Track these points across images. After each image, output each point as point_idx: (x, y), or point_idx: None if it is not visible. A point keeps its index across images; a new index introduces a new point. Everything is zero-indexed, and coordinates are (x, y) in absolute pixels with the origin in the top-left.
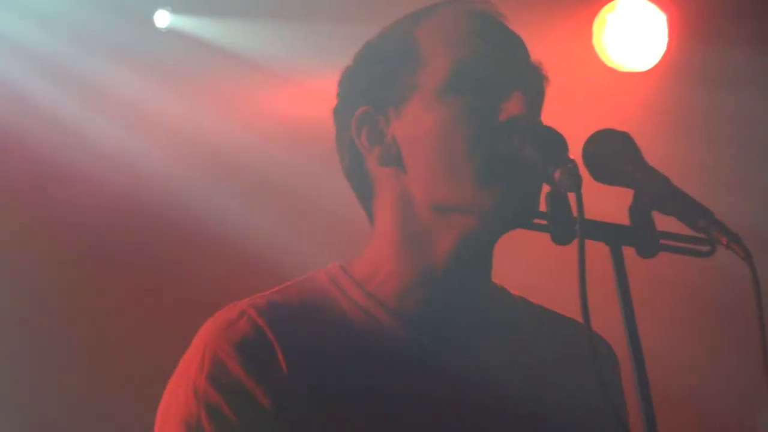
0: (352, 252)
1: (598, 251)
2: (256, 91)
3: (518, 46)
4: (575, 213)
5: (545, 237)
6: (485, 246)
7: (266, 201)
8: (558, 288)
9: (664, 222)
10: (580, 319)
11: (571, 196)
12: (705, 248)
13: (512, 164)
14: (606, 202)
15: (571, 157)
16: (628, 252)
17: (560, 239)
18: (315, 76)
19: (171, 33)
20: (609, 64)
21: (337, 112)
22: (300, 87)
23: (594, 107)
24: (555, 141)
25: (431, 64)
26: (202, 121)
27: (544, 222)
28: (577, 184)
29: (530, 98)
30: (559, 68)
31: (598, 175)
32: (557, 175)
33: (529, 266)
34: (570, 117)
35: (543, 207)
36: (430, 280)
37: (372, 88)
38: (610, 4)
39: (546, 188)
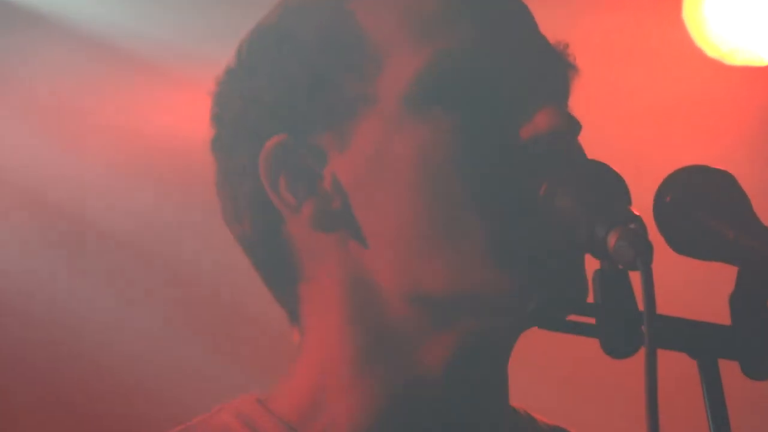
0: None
1: (671, 361)
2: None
3: (529, 22)
4: (641, 305)
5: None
6: (498, 354)
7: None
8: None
9: None
10: None
11: (635, 276)
12: None
13: (539, 223)
14: (691, 286)
15: (635, 211)
16: (728, 368)
17: (615, 348)
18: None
19: None
20: (710, 52)
21: (219, 146)
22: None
23: (679, 123)
24: (608, 185)
25: (392, 60)
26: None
27: (589, 319)
28: (644, 257)
29: (563, 109)
30: (620, 57)
31: (680, 243)
32: (612, 240)
33: (532, 378)
34: (636, 138)
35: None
36: (415, 416)
37: (285, 102)
38: None
39: (592, 262)
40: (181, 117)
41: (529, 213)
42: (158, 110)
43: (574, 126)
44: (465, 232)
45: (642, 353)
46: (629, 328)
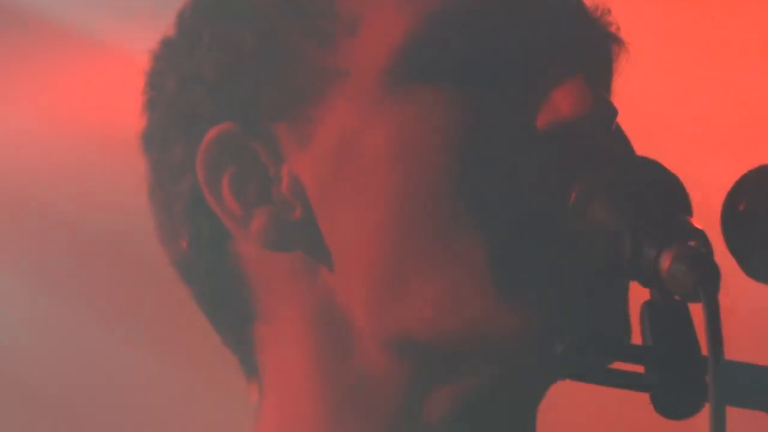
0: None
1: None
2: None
3: None
4: (705, 347)
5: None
6: (517, 417)
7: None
8: None
9: None
10: None
11: (696, 309)
12: None
13: (565, 241)
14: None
15: (697, 225)
16: None
17: (670, 406)
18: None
19: None
20: None
21: (150, 140)
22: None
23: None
24: (660, 189)
25: (369, 22)
26: None
27: (636, 367)
28: (708, 284)
29: (595, 86)
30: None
31: (757, 267)
32: (666, 263)
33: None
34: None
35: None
36: None
37: (231, 79)
38: None
39: (639, 291)
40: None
41: (551, 227)
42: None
43: (605, 109)
44: (460, 251)
45: (706, 412)
46: (689, 378)
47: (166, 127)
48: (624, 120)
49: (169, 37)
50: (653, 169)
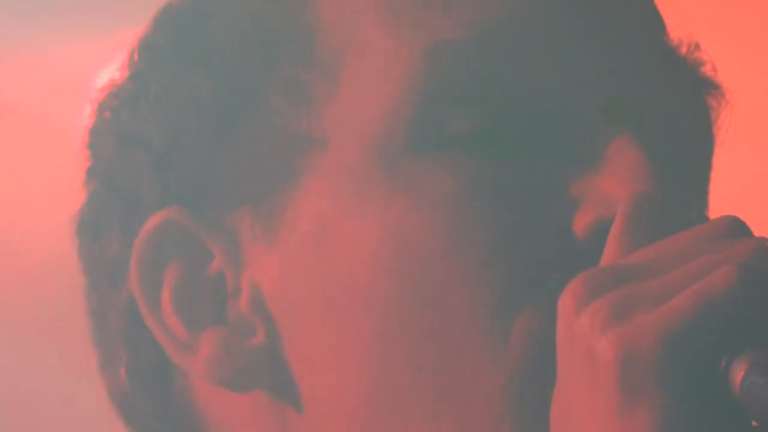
0: None
1: None
2: None
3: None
4: None
5: None
6: None
7: None
8: None
9: None
10: None
11: None
12: None
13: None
14: None
15: None
16: None
17: None
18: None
19: None
20: None
21: (83, 225)
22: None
23: None
24: None
25: (351, 73)
26: None
27: None
28: None
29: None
30: None
31: None
32: (738, 375)
33: None
34: None
35: None
36: None
37: (182, 151)
38: None
39: None
40: None
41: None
42: None
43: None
44: (475, 379)
45: None
46: None
47: (99, 206)
48: None
49: (117, 82)
50: None
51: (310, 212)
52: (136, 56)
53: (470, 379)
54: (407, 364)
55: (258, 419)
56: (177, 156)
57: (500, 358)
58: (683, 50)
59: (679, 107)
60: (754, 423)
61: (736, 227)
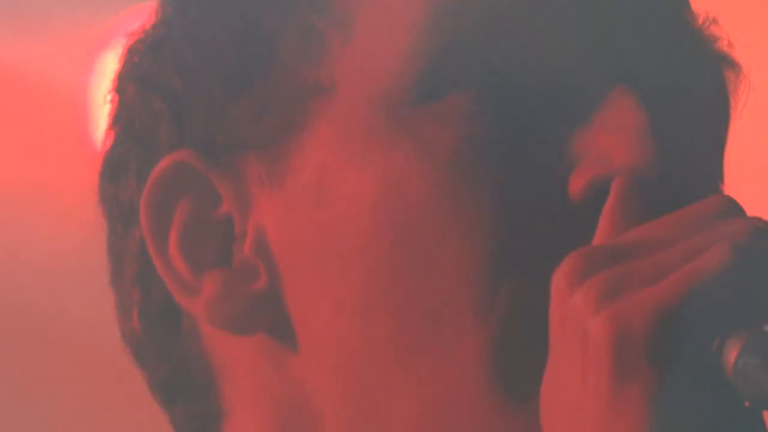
0: None
1: None
2: None
3: None
4: None
5: None
6: None
7: None
8: None
9: None
10: None
11: None
12: None
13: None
14: None
15: None
16: None
17: None
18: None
19: None
20: None
21: (107, 162)
22: None
23: None
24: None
25: (362, 24)
26: None
27: None
28: None
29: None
30: None
31: None
32: (731, 355)
33: None
34: None
35: None
36: None
37: (193, 91)
38: None
39: None
40: None
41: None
42: None
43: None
44: (457, 335)
45: None
46: None
47: (120, 150)
48: None
49: (145, 27)
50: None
51: (314, 160)
52: (163, 2)
53: (452, 337)
54: (392, 317)
55: (258, 361)
56: (192, 100)
57: (483, 320)
58: (699, 21)
59: (689, 69)
60: (746, 403)
61: (729, 207)
